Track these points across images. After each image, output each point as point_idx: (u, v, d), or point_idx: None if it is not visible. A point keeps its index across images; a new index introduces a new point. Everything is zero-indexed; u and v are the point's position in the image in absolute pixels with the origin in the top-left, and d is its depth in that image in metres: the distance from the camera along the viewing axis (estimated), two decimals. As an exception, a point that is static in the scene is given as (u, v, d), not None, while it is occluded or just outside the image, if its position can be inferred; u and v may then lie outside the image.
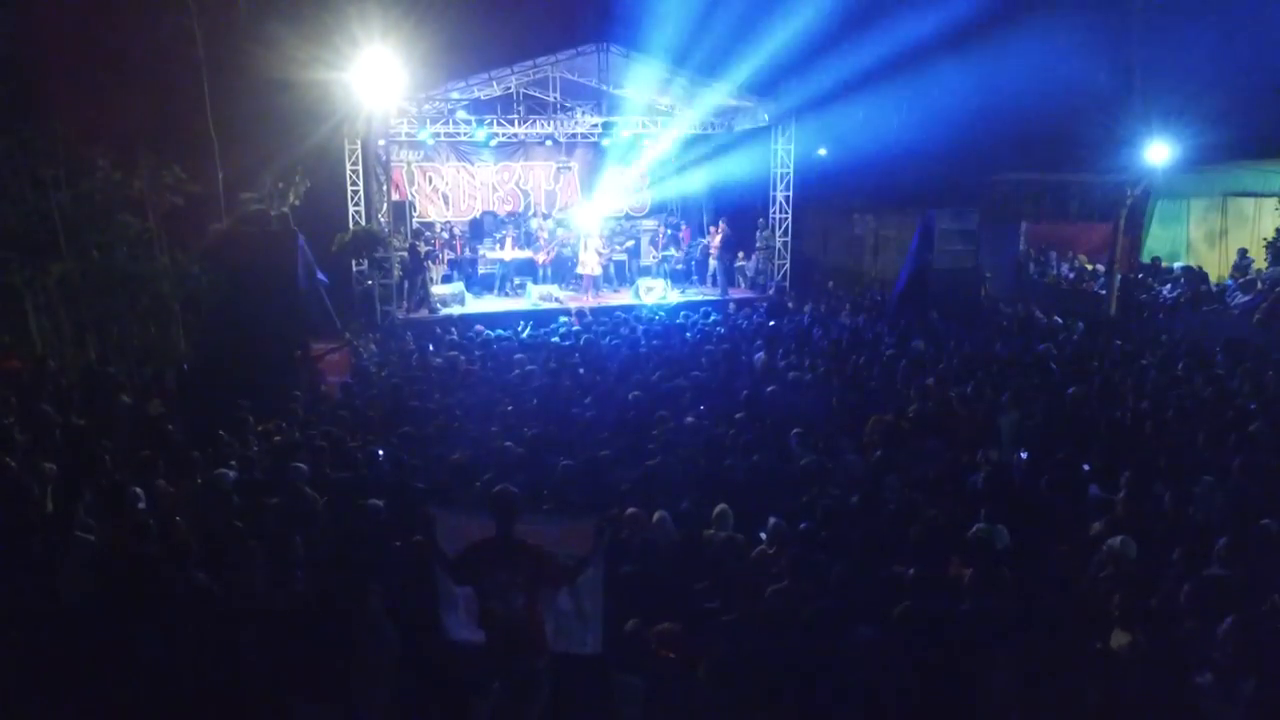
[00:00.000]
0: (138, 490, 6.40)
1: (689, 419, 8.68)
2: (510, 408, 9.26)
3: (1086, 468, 7.45)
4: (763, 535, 6.23)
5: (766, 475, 7.38)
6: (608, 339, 13.09)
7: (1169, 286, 13.90)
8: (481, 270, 18.73)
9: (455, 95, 16.38)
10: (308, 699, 4.95)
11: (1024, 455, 7.49)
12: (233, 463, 7.53)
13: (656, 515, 6.28)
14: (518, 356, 11.54)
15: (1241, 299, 12.27)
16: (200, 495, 6.89)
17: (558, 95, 17.79)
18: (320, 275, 12.09)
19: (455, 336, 13.80)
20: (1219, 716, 4.35)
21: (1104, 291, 13.70)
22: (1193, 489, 6.57)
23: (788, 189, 18.07)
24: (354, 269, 16.92)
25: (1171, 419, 8.19)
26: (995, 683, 4.70)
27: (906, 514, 6.45)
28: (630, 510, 6.26)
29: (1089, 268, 16.31)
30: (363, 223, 16.45)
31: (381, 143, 18.98)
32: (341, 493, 6.94)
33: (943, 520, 6.33)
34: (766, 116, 17.61)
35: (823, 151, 26.17)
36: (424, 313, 16.05)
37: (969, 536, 5.92)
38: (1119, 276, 14.16)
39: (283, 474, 7.19)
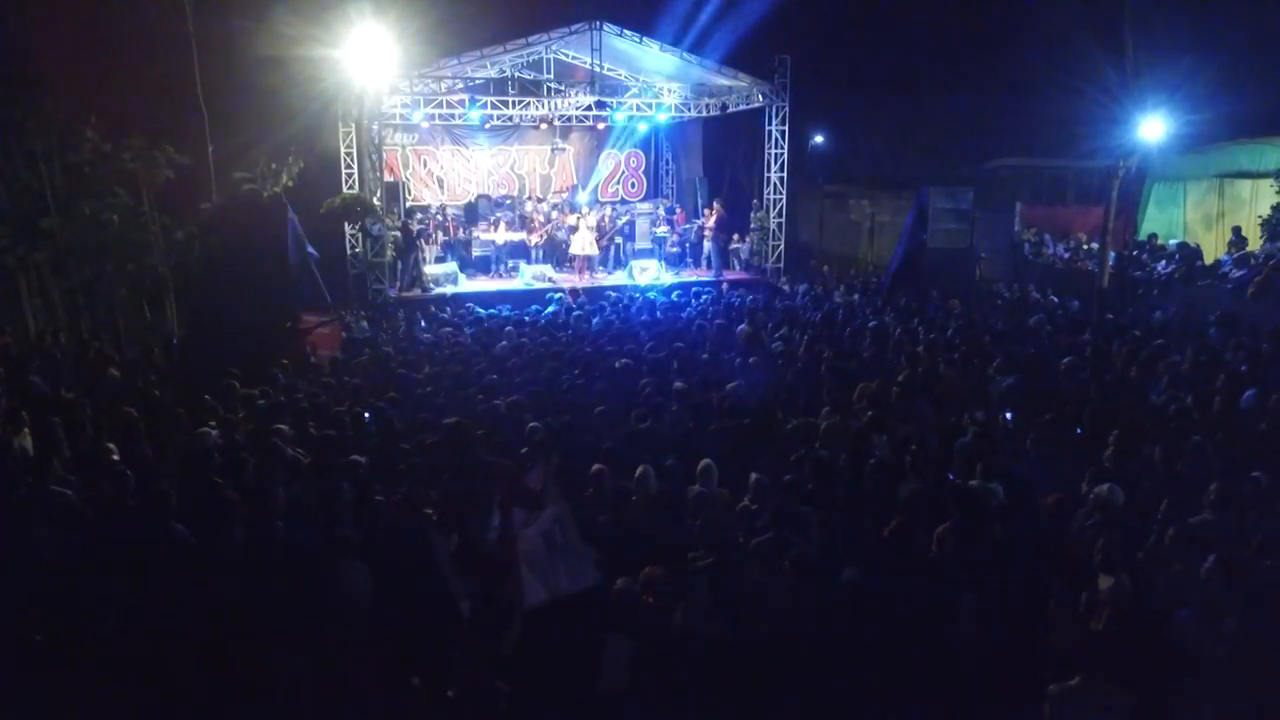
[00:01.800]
0: (111, 445, 6.36)
1: (677, 385, 8.63)
2: (496, 376, 9.21)
3: (1079, 431, 7.42)
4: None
5: (753, 437, 7.34)
6: (598, 317, 13.03)
7: (1163, 263, 13.84)
8: (476, 252, 18.71)
9: (448, 74, 16.28)
10: (285, 649, 4.91)
11: (1009, 416, 7.43)
12: (213, 424, 7.51)
13: (640, 469, 6.24)
14: (507, 329, 11.50)
15: (1236, 273, 12.20)
16: (181, 453, 6.85)
17: (551, 77, 17.72)
18: (311, 250, 12.03)
19: (448, 314, 13.78)
20: (1201, 654, 4.30)
21: (1096, 269, 13.63)
22: (1183, 447, 6.52)
23: (782, 170, 17.99)
24: (349, 252, 16.85)
25: (1165, 385, 8.14)
26: (966, 627, 4.66)
27: (893, 470, 6.40)
28: (596, 467, 6.21)
29: (1086, 246, 16.25)
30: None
31: (375, 126, 19.00)
32: (325, 450, 6.91)
33: (929, 477, 6.30)
34: (761, 97, 17.53)
35: (819, 139, 26.15)
36: (416, 292, 15.99)
37: (964, 489, 5.86)
38: (1112, 253, 14.06)
39: (266, 435, 7.16)
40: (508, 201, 19.78)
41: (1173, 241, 14.92)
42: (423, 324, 12.70)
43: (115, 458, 6.20)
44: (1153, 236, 15.37)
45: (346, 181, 16.78)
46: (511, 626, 4.14)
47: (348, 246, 16.92)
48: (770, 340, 10.75)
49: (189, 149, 12.46)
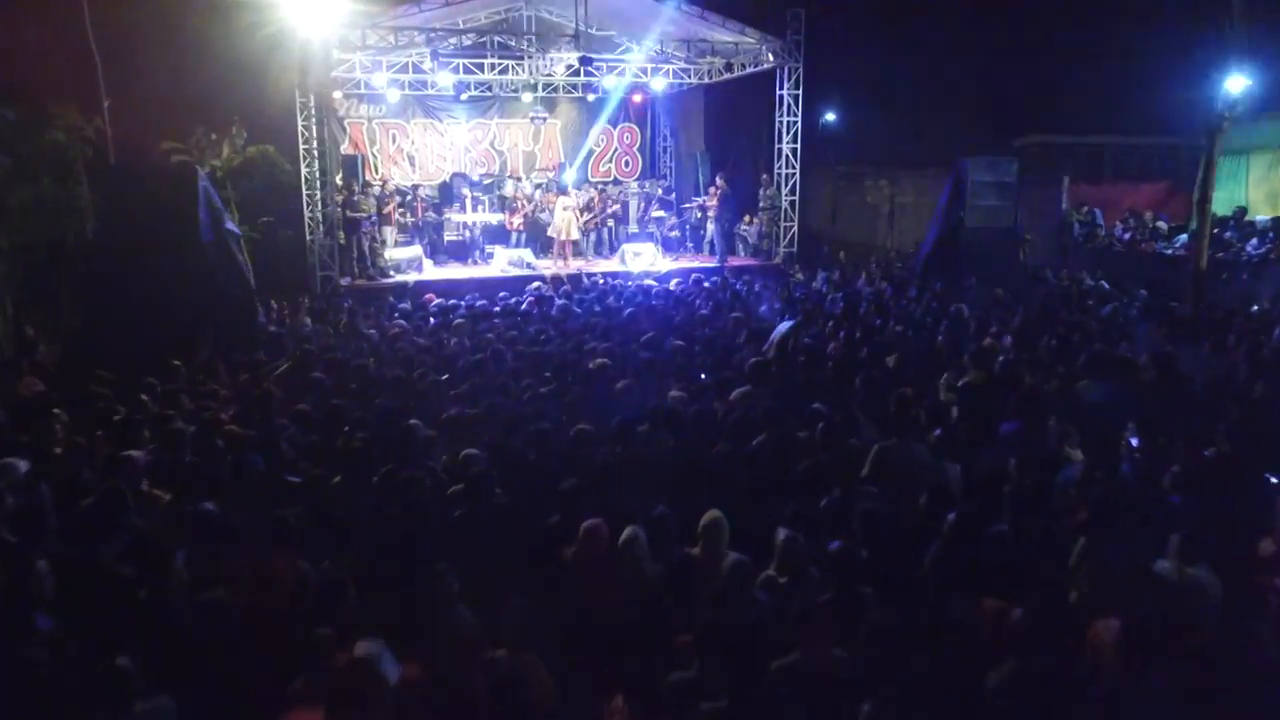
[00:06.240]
0: None
1: (674, 393, 6.63)
2: (446, 376, 7.23)
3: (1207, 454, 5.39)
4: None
5: (773, 466, 5.32)
6: (584, 308, 11.03)
7: (1254, 241, 11.82)
8: (449, 237, 16.83)
9: (413, 25, 14.16)
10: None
11: (1135, 441, 5.37)
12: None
13: (625, 533, 4.26)
14: (458, 323, 9.59)
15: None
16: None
17: (532, 38, 15.64)
18: (230, 226, 9.97)
19: (408, 305, 11.84)
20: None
21: (1169, 252, 11.60)
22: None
23: (794, 141, 15.96)
24: (307, 237, 14.81)
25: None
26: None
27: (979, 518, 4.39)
28: (590, 522, 4.29)
29: (1152, 225, 14.16)
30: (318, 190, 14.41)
31: (338, 94, 16.95)
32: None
33: (1038, 536, 4.32)
34: (771, 56, 15.45)
35: (831, 116, 24.07)
36: (368, 280, 14.10)
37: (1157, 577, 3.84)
38: (1182, 235, 12.03)
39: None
40: (486, 181, 17.75)
41: (1261, 218, 12.87)
42: (371, 315, 10.71)
43: None
44: (1240, 211, 13.32)
45: (305, 160, 14.75)
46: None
47: (306, 230, 14.92)
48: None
49: (85, 106, 10.43)
